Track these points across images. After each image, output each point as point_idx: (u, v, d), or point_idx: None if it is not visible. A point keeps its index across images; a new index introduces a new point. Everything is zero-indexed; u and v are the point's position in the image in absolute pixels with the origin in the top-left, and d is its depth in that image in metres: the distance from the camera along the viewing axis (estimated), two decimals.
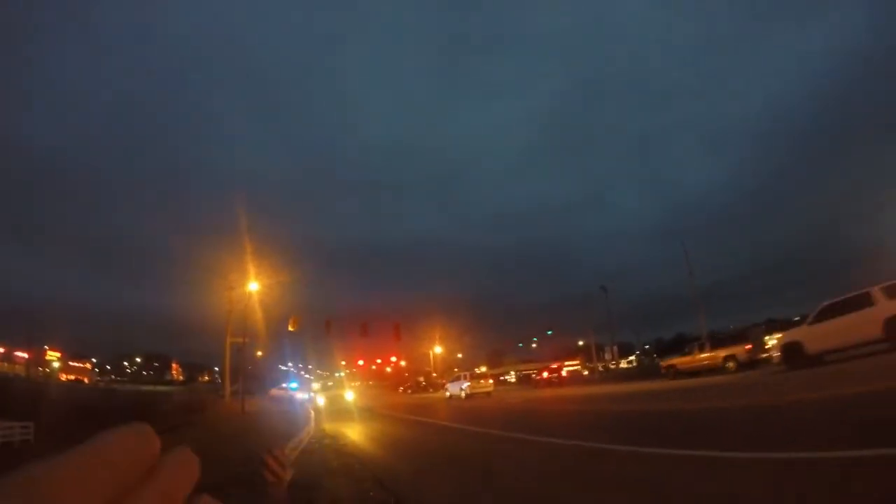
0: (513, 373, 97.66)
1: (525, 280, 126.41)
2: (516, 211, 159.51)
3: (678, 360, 36.13)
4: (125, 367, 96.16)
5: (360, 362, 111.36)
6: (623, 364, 79.67)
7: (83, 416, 19.51)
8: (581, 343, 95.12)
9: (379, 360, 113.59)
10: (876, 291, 19.20)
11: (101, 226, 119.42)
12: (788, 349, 22.12)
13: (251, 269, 40.36)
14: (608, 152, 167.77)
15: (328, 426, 24.69)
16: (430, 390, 76.62)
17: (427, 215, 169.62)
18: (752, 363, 29.47)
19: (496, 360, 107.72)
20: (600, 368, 70.26)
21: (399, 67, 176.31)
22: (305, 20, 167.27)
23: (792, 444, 7.12)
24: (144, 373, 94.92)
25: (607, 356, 73.73)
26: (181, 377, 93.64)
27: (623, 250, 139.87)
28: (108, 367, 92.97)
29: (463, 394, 44.44)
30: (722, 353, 31.19)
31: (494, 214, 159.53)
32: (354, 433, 20.62)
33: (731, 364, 30.46)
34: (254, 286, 40.33)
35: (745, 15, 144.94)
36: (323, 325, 52.79)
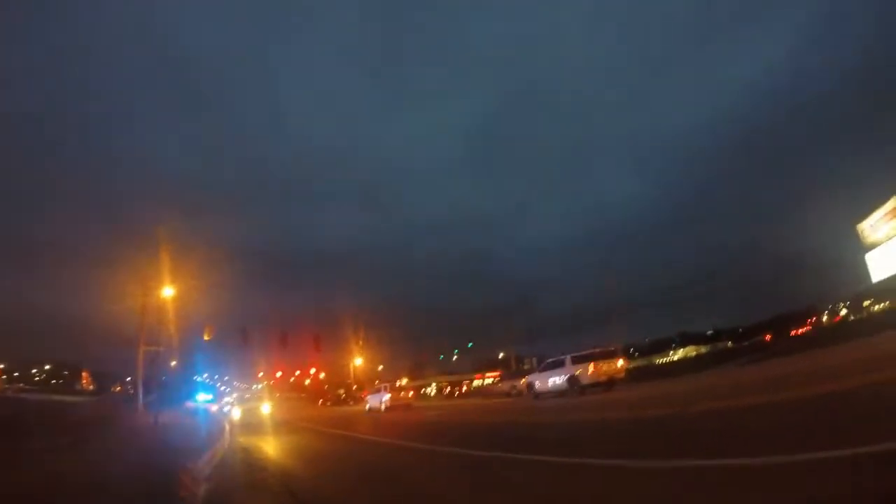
0: (434, 384, 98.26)
1: (449, 291, 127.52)
2: (441, 221, 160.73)
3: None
4: (34, 375, 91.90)
5: (279, 374, 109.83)
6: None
7: None
8: (501, 355, 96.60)
9: (298, 372, 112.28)
10: (567, 358, 34.08)
11: (11, 223, 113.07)
12: (529, 386, 38.62)
13: (167, 273, 39.34)
14: (535, 165, 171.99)
15: (243, 439, 24.47)
16: (351, 403, 76.37)
17: (351, 223, 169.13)
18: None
19: (418, 372, 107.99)
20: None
21: (331, 75, 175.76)
22: (241, 21, 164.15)
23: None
24: (54, 381, 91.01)
25: (526, 367, 75.18)
26: (92, 387, 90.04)
27: (547, 262, 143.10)
28: (16, 375, 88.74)
29: (383, 406, 44.65)
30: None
31: (419, 224, 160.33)
32: (270, 447, 20.57)
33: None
34: (169, 291, 39.23)
35: (678, 37, 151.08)
36: (241, 335, 52.07)
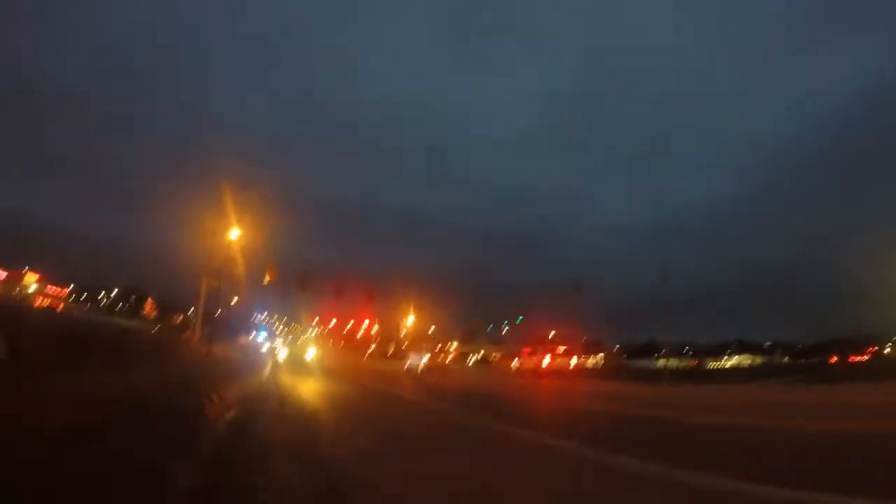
0: (482, 352, 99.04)
1: (505, 263, 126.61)
2: (505, 192, 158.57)
3: None
4: (100, 299, 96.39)
5: (333, 321, 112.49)
6: (590, 362, 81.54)
7: (57, 340, 20.79)
8: (552, 334, 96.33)
9: (352, 322, 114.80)
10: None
11: (90, 154, 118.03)
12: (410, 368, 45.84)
13: (235, 215, 40.90)
14: (604, 148, 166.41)
15: (284, 378, 26.23)
16: (397, 358, 78.23)
17: (415, 183, 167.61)
18: None
19: (469, 339, 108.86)
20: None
21: (404, 35, 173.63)
22: None
23: None
24: (120, 305, 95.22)
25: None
26: (155, 314, 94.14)
27: (606, 248, 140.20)
28: (85, 296, 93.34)
29: (420, 367, 46.23)
30: None
31: (483, 193, 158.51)
32: (304, 387, 22.14)
33: None
34: (236, 233, 40.75)
35: (775, 38, 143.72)
36: (298, 281, 54.04)
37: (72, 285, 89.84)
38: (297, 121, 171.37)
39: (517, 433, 12.18)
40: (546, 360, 48.05)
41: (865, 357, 77.56)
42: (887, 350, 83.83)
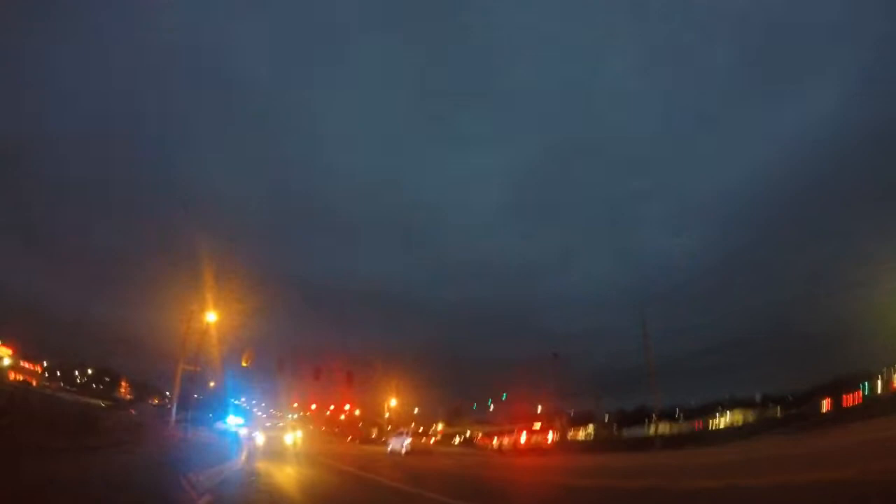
0: (468, 432, 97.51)
1: (486, 338, 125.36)
2: (481, 267, 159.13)
3: None
4: (75, 377, 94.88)
5: (313, 406, 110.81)
6: (580, 435, 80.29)
7: (28, 418, 20.36)
8: (540, 409, 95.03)
9: (332, 407, 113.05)
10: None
11: (68, 230, 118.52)
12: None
13: (211, 299, 40.85)
14: (577, 215, 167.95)
15: (261, 464, 25.64)
16: (381, 442, 76.91)
17: (391, 262, 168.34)
18: None
19: (455, 418, 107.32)
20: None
21: (375, 113, 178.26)
22: (286, 58, 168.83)
23: None
24: (94, 385, 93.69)
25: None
26: (130, 396, 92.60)
27: (587, 316, 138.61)
28: (59, 374, 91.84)
29: (403, 450, 45.54)
30: None
31: (459, 268, 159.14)
32: (281, 474, 21.67)
33: None
34: (211, 317, 40.75)
35: (728, 90, 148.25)
36: (276, 364, 53.57)
37: (44, 363, 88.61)
38: (271, 201, 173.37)
39: None
40: (523, 438, 48.73)
41: (859, 399, 75.73)
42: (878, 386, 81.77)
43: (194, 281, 41.36)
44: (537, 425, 77.51)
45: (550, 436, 70.71)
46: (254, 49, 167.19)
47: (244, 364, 45.94)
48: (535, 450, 59.12)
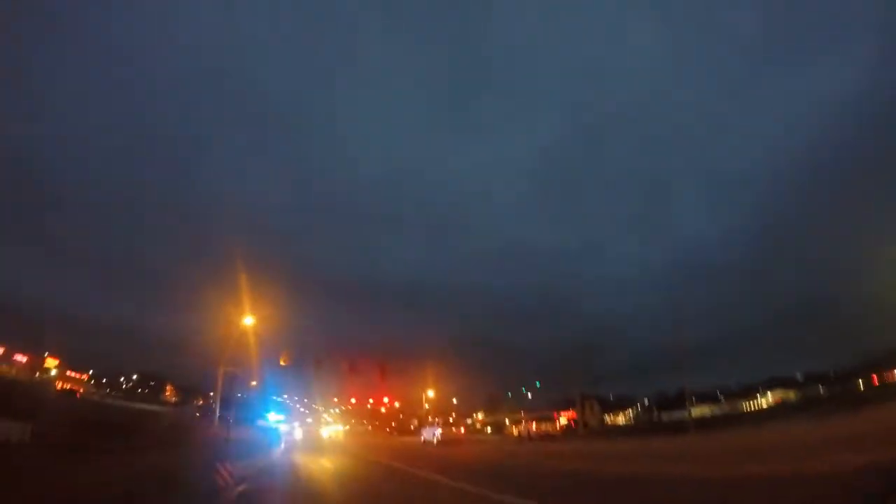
0: (507, 420, 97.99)
1: (520, 326, 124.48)
2: (513, 253, 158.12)
3: None
4: (121, 383, 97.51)
5: (353, 400, 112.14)
6: (620, 420, 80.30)
7: (77, 423, 21.47)
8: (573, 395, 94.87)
9: (371, 401, 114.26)
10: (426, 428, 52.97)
11: (111, 242, 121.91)
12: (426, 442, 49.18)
13: (247, 301, 41.97)
14: (608, 197, 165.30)
15: (299, 456, 26.56)
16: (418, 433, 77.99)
17: (422, 253, 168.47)
18: None
19: (493, 407, 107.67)
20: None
21: (396, 106, 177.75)
22: (305, 58, 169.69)
23: None
24: (140, 390, 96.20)
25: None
26: (175, 398, 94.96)
27: (622, 299, 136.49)
28: (104, 381, 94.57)
29: (435, 440, 46.87)
30: None
31: (490, 255, 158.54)
32: (316, 465, 22.48)
33: None
34: (249, 320, 41.86)
35: (758, 64, 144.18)
36: (314, 362, 54.60)
37: (91, 370, 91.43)
38: (299, 202, 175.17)
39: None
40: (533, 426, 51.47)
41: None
42: None
43: (231, 285, 42.54)
44: (563, 415, 78.76)
45: (559, 424, 73.80)
46: (278, 53, 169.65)
47: (282, 363, 47.02)
48: (543, 437, 61.72)
